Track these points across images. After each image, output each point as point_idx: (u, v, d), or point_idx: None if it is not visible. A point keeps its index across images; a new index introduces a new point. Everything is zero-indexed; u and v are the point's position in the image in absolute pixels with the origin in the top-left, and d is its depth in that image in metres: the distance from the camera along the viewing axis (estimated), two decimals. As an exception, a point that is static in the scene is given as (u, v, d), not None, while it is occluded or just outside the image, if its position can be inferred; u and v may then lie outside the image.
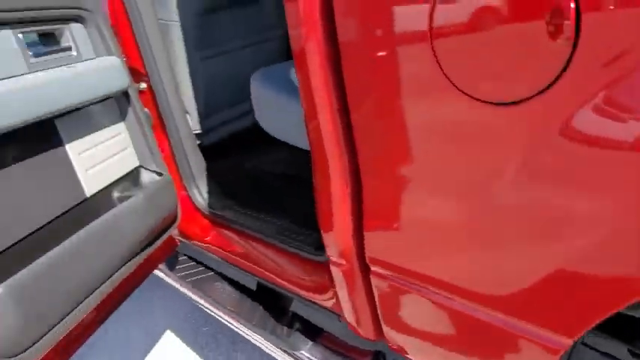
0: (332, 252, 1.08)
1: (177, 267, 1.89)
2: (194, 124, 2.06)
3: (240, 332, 1.58)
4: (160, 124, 1.72)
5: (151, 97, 1.68)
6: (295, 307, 1.51)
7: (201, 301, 1.72)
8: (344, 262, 1.03)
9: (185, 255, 1.94)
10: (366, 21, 0.78)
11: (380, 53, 0.77)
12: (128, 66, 1.61)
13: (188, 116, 2.02)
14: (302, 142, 1.50)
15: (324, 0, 0.83)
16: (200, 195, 1.80)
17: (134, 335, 2.32)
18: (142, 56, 1.61)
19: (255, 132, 2.36)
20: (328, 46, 0.87)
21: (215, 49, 1.97)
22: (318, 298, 1.34)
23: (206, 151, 1.98)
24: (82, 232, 1.17)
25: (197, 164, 1.81)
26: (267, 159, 2.09)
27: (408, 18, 0.71)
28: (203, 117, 2.08)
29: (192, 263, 1.89)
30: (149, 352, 2.21)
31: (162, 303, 2.51)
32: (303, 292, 1.39)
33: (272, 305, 1.61)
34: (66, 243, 1.12)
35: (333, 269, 1.09)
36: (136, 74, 1.65)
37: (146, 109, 1.70)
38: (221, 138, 2.21)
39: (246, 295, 1.68)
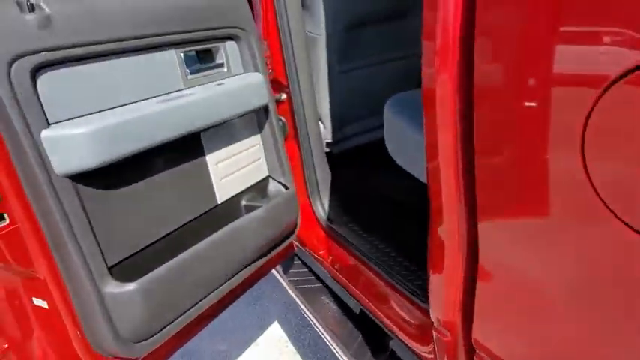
0: (436, 316, 1.02)
1: (290, 271, 1.97)
2: (327, 133, 2.09)
3: (336, 353, 1.59)
4: (293, 133, 1.79)
5: (288, 107, 1.75)
6: (395, 344, 1.46)
7: (306, 311, 1.77)
8: (447, 334, 0.96)
9: (300, 260, 2.02)
10: (513, 73, 0.69)
11: (522, 111, 0.68)
12: (272, 78, 1.69)
13: (321, 125, 2.07)
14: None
15: (463, 43, 0.77)
16: (321, 206, 1.84)
17: (247, 322, 2.50)
18: (285, 68, 1.67)
19: (385, 148, 2.33)
20: (462, 91, 0.80)
21: (356, 62, 1.97)
22: (416, 345, 1.28)
23: (334, 159, 2.01)
24: (207, 240, 1.28)
25: (323, 175, 1.85)
26: (392, 181, 2.05)
27: (566, 95, 0.61)
28: (336, 127, 2.10)
29: (304, 270, 1.95)
30: (255, 339, 2.37)
31: (273, 296, 2.66)
32: (401, 334, 1.35)
33: (372, 335, 1.59)
34: (192, 249, 1.24)
35: (435, 334, 1.02)
36: (278, 85, 1.73)
37: (283, 118, 1.78)
38: (351, 148, 2.22)
39: (348, 317, 1.68)
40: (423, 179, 1.50)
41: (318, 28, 1.82)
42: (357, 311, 1.65)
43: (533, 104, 0.67)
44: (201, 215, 1.37)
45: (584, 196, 0.61)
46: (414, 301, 1.34)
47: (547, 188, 0.68)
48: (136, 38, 1.14)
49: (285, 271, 1.97)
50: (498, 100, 0.74)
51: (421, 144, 1.44)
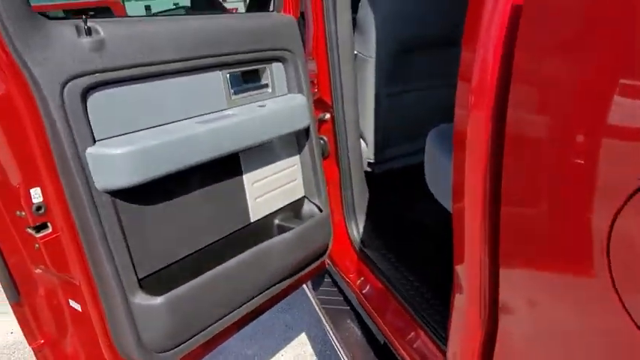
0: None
1: (320, 288, 1.97)
2: (369, 152, 2.08)
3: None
4: (334, 153, 1.78)
5: (331, 126, 1.75)
6: (415, 382, 1.43)
7: (330, 332, 1.77)
8: (463, 393, 0.93)
9: (331, 278, 2.01)
10: (549, 125, 0.66)
11: (557, 165, 0.65)
12: (316, 97, 1.70)
13: (364, 144, 2.05)
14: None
15: (499, 87, 0.74)
16: (356, 228, 1.83)
17: (275, 329, 2.53)
18: (331, 88, 1.67)
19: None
20: (493, 136, 0.77)
21: (403, 86, 1.94)
22: (437, 390, 1.25)
23: (374, 180, 1.99)
24: (235, 260, 1.30)
25: (360, 196, 1.83)
26: (431, 211, 2.00)
27: (606, 154, 0.57)
28: (379, 148, 2.08)
29: (334, 289, 1.95)
30: (281, 348, 2.39)
31: (303, 306, 2.67)
32: (423, 377, 1.31)
33: (394, 370, 1.56)
34: (220, 267, 1.27)
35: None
36: (323, 105, 1.74)
37: (325, 138, 1.78)
38: (392, 170, 2.19)
39: (371, 346, 1.66)
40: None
41: (369, 50, 1.81)
42: (382, 341, 1.62)
43: (568, 159, 0.63)
44: (233, 233, 1.40)
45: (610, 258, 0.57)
46: (435, 342, 1.30)
47: (575, 246, 0.64)
48: (182, 60, 1.17)
49: (315, 287, 1.98)
50: (531, 150, 0.70)
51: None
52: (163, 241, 1.21)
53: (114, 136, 1.09)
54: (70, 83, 0.99)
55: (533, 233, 0.72)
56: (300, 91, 1.50)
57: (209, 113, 1.27)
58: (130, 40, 1.07)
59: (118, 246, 1.09)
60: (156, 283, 1.20)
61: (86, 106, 1.03)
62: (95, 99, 1.05)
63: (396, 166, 2.18)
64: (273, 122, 1.36)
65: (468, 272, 0.91)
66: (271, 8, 1.51)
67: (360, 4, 1.80)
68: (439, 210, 1.95)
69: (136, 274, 1.14)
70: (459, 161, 0.87)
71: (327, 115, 1.74)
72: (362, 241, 1.80)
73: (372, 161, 2.08)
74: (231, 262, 1.30)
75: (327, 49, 1.63)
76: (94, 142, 1.05)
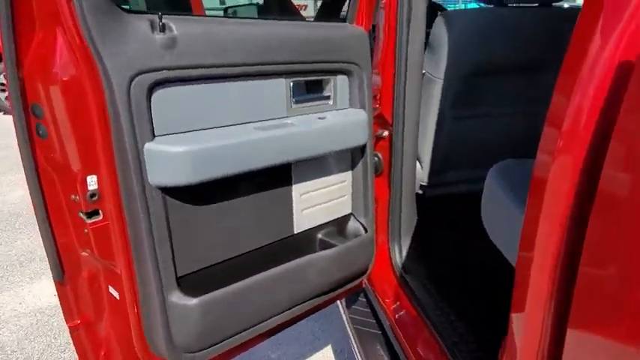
0: None
1: (353, 306, 1.92)
2: (423, 174, 2.01)
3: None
4: (387, 172, 1.73)
5: (388, 144, 1.70)
6: None
7: (357, 352, 1.72)
8: None
9: (366, 298, 1.96)
10: None
11: None
12: (377, 113, 1.65)
13: (418, 167, 1.98)
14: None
15: (595, 140, 0.67)
16: (399, 252, 1.77)
17: (303, 336, 2.51)
18: (393, 105, 1.62)
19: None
20: (580, 191, 0.70)
21: (470, 110, 1.85)
22: None
23: (425, 204, 1.92)
24: (274, 271, 1.28)
25: (409, 219, 1.77)
26: (480, 245, 1.89)
27: None
28: (435, 171, 2.01)
29: (367, 311, 1.89)
30: (306, 358, 2.36)
31: (334, 317, 2.62)
32: None
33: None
34: (257, 277, 1.25)
35: None
36: (382, 121, 1.69)
37: (380, 155, 1.73)
38: (445, 195, 2.10)
39: (400, 378, 1.60)
40: (511, 260, 1.37)
41: (438, 71, 1.74)
42: (411, 374, 1.56)
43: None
44: (275, 242, 1.38)
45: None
46: None
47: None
48: (249, 65, 1.16)
49: (349, 305, 1.93)
50: (628, 213, 0.63)
51: (518, 223, 1.31)
52: (206, 242, 1.21)
53: (173, 134, 1.09)
54: (138, 77, 0.99)
55: (614, 299, 0.65)
56: (362, 107, 1.46)
57: (268, 120, 1.26)
58: (200, 39, 1.07)
59: (162, 242, 1.10)
60: (194, 283, 1.19)
61: (150, 102, 1.03)
62: (160, 95, 1.05)
63: (450, 192, 2.09)
64: (332, 136, 1.33)
65: (527, 323, 0.84)
66: (345, 18, 1.48)
67: (434, 21, 1.74)
68: (490, 248, 1.85)
69: (176, 272, 1.14)
70: (535, 209, 0.80)
71: (386, 133, 1.69)
72: (403, 267, 1.73)
73: (424, 184, 2.01)
74: (270, 272, 1.28)
75: (394, 65, 1.58)
76: (154, 137, 1.05)
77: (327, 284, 1.45)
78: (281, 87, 1.27)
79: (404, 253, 1.77)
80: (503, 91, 1.83)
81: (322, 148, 1.32)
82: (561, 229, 0.75)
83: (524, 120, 1.91)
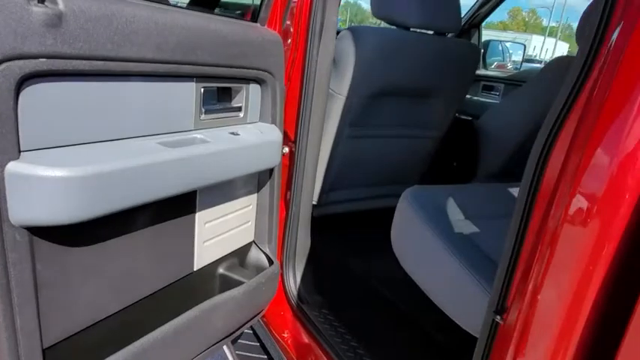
0: None
1: (239, 341, 1.71)
2: (314, 194, 1.90)
3: None
4: (284, 193, 1.58)
5: (288, 162, 1.55)
6: None
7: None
8: None
9: (252, 330, 1.77)
10: None
11: None
12: None
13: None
14: (436, 297, 1.27)
15: None
16: (293, 279, 1.63)
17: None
18: (298, 121, 1.48)
19: (372, 219, 2.17)
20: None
21: (366, 130, 1.82)
22: None
23: (314, 224, 1.81)
24: (171, 325, 1.02)
25: (303, 244, 1.64)
26: (379, 266, 1.88)
27: None
28: (325, 190, 1.92)
29: (255, 344, 1.70)
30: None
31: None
32: None
33: None
34: (150, 336, 0.97)
35: None
36: (284, 137, 1.53)
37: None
38: (332, 214, 2.04)
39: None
40: (422, 284, 1.35)
41: (340, 87, 1.66)
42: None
43: None
44: (174, 283, 1.11)
45: None
46: None
47: None
48: (158, 62, 0.89)
49: (234, 340, 1.71)
50: None
51: (432, 248, 1.30)
52: (87, 297, 0.89)
53: (48, 148, 0.77)
54: (3, 65, 0.66)
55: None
56: (274, 121, 1.28)
57: (174, 133, 1.00)
58: (97, 21, 0.77)
59: (25, 304, 0.76)
60: (67, 354, 0.87)
61: (18, 102, 0.70)
62: (31, 93, 0.73)
63: (336, 211, 2.03)
64: (247, 157, 1.12)
65: None
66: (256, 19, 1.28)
67: (339, 35, 1.65)
68: (390, 268, 1.84)
69: (42, 343, 0.81)
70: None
71: (286, 149, 1.54)
72: (299, 296, 1.60)
73: (314, 204, 1.91)
74: (169, 326, 1.01)
75: (302, 77, 1.44)
76: (19, 153, 0.72)
77: (230, 327, 1.23)
78: (190, 93, 1.02)
79: (298, 280, 1.64)
80: (396, 113, 1.84)
81: (237, 171, 1.11)
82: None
83: (409, 143, 1.96)
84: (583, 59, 0.69)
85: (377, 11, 1.68)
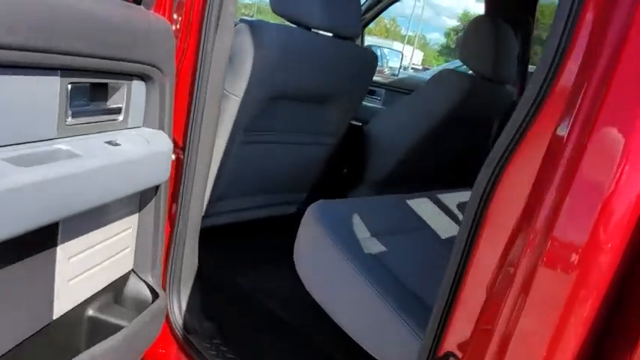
0: None
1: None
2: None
3: None
4: (170, 208, 1.35)
5: (174, 172, 1.32)
6: None
7: None
8: None
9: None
10: None
11: None
12: None
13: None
14: (349, 327, 1.18)
15: None
16: (178, 306, 1.40)
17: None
18: (188, 124, 1.26)
19: (264, 228, 2.01)
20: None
21: (260, 135, 1.66)
22: None
23: (203, 236, 1.61)
24: None
25: (190, 266, 1.43)
26: (272, 274, 1.73)
27: None
28: (213, 200, 1.72)
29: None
30: None
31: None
32: None
33: None
34: None
35: None
36: (173, 143, 1.30)
37: None
38: (219, 226, 1.84)
39: None
40: (332, 313, 1.25)
41: (236, 88, 1.47)
42: None
43: None
44: (31, 337, 0.83)
45: None
46: None
47: None
48: (8, 48, 0.63)
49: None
50: None
51: (345, 274, 1.20)
52: None
53: None
54: None
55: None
56: (162, 127, 1.06)
57: (31, 143, 0.73)
58: None
59: None
60: None
61: None
62: None
63: (227, 221, 1.84)
64: (129, 174, 0.89)
65: None
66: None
67: (235, 29, 1.46)
68: (289, 285, 1.70)
69: None
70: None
71: (173, 157, 1.31)
72: (186, 326, 1.39)
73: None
74: None
75: (193, 74, 1.23)
76: None
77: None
78: (52, 89, 0.77)
79: (183, 307, 1.42)
80: (293, 118, 1.71)
81: (116, 193, 0.87)
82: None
83: (305, 150, 1.86)
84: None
85: (277, 7, 1.53)
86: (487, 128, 2.63)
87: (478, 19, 2.11)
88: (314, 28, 1.54)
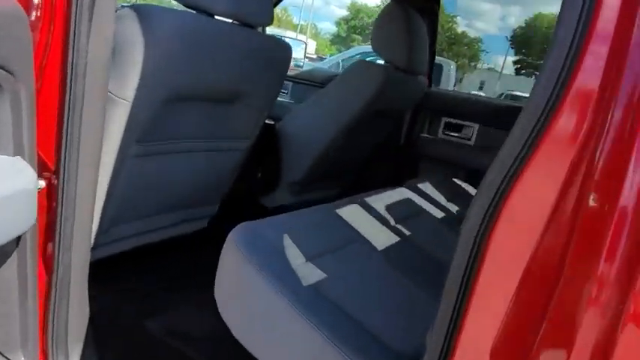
0: None
1: None
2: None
3: None
4: (42, 249, 1.03)
5: (45, 203, 1.01)
6: None
7: None
8: None
9: None
10: None
11: None
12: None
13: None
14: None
15: None
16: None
17: None
18: (60, 140, 0.96)
19: (173, 249, 1.74)
20: None
21: (159, 145, 1.37)
22: None
23: (93, 272, 1.30)
24: None
25: (79, 316, 1.13)
26: (187, 310, 1.46)
27: None
28: (104, 227, 1.40)
29: None
30: None
31: None
32: None
33: None
34: None
35: None
36: (40, 166, 0.98)
37: None
38: (115, 255, 1.53)
39: None
40: (257, 352, 1.05)
41: (123, 89, 1.17)
42: None
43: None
44: None
45: None
46: None
47: None
48: None
49: None
50: None
51: (280, 314, 1.01)
52: None
53: None
54: None
55: None
56: (20, 152, 0.77)
57: None
58: None
59: None
60: None
61: None
62: None
63: (123, 249, 1.53)
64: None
65: None
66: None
67: (118, 15, 1.16)
68: (205, 324, 1.43)
69: None
70: None
71: (42, 183, 1.00)
72: None
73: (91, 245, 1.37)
74: None
75: (63, 76, 0.93)
76: None
77: None
78: None
79: None
80: (198, 122, 1.44)
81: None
82: None
83: (215, 157, 1.60)
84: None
85: None
86: (399, 120, 2.57)
87: (389, 7, 2.01)
88: (218, 14, 1.29)
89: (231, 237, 1.07)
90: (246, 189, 2.07)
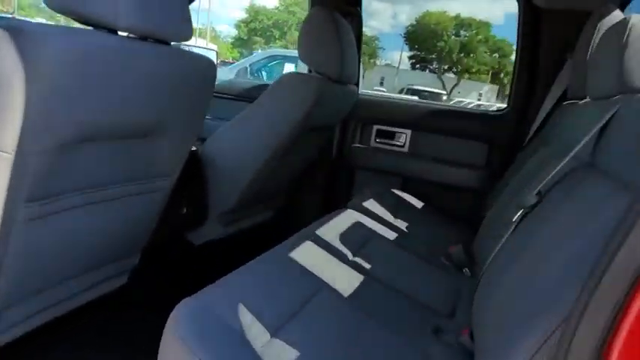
0: None
1: None
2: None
3: None
4: None
5: None
6: None
7: None
8: None
9: None
10: None
11: None
12: None
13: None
14: None
15: None
16: None
17: None
18: None
19: (85, 318, 1.42)
20: None
21: (57, 202, 1.05)
22: None
23: None
24: None
25: None
26: None
27: None
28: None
29: None
30: None
31: None
32: None
33: None
34: None
35: None
36: None
37: None
38: (23, 338, 1.19)
39: None
40: None
41: (2, 139, 0.86)
42: None
43: None
44: None
45: None
46: None
47: None
48: None
49: None
50: None
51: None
52: None
53: None
54: None
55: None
56: None
57: None
58: None
59: None
60: None
61: None
62: None
63: (20, 333, 1.19)
64: None
65: None
66: None
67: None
68: None
69: None
70: None
71: None
72: None
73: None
74: None
75: None
76: None
77: None
78: None
79: None
80: (107, 166, 1.12)
81: None
82: None
83: (133, 203, 1.30)
84: None
85: (51, 1, 0.96)
86: (331, 131, 2.42)
87: (315, 14, 1.83)
88: (122, 30, 1.01)
89: (171, 323, 0.82)
90: (170, 228, 1.78)
